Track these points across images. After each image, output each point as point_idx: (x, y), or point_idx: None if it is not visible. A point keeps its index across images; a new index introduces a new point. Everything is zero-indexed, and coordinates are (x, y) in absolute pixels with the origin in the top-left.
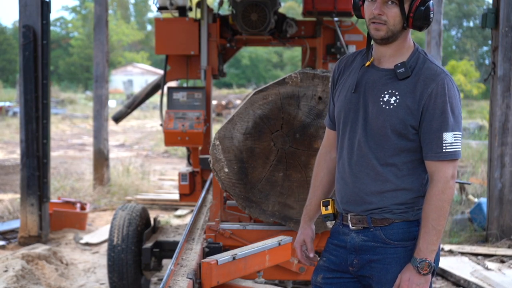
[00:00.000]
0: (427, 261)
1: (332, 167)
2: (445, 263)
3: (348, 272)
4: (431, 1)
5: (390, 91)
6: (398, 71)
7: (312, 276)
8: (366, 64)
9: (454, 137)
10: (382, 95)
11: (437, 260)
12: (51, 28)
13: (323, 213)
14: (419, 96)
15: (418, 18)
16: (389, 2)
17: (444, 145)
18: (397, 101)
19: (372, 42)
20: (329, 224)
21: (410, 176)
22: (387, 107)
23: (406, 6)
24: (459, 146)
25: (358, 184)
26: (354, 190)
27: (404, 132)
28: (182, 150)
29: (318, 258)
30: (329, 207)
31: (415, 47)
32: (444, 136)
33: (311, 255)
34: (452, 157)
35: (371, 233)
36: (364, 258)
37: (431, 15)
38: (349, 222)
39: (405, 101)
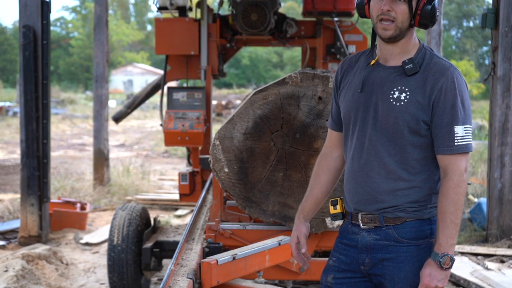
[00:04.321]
0: (448, 255)
1: (332, 166)
2: None
3: (359, 272)
4: (436, 0)
5: (399, 87)
6: (406, 67)
7: (321, 277)
8: (371, 63)
9: (465, 130)
10: (392, 92)
11: None
12: (51, 28)
13: (331, 212)
14: (429, 91)
15: (425, 16)
16: None
17: (455, 138)
18: (408, 97)
19: (377, 41)
20: (329, 224)
21: (422, 173)
22: (398, 104)
23: (414, 4)
24: (471, 139)
25: (370, 183)
26: (366, 189)
27: (416, 128)
28: (182, 150)
29: (311, 258)
30: (338, 206)
31: (420, 44)
32: (455, 130)
33: (303, 250)
34: (464, 150)
35: (383, 232)
36: (376, 257)
37: (437, 14)
38: (360, 221)
39: (416, 96)
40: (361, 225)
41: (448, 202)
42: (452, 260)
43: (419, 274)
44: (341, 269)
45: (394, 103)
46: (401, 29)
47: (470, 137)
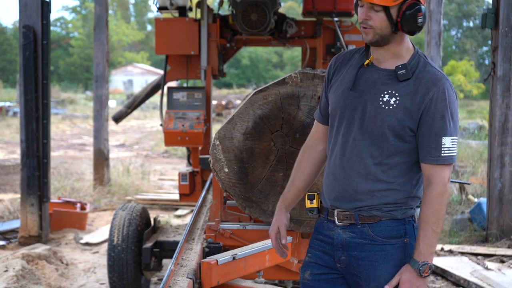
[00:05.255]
0: (428, 264)
1: (316, 159)
2: (445, 263)
3: (335, 268)
4: (422, 6)
5: (390, 91)
6: (399, 72)
7: (300, 274)
8: (365, 63)
9: (452, 141)
10: (382, 95)
11: None
12: (51, 28)
13: (307, 207)
14: (420, 99)
15: (406, 22)
16: (374, 8)
17: (443, 149)
18: (397, 102)
19: None
20: None
21: (401, 177)
22: (386, 107)
23: (394, 11)
24: (456, 151)
25: (348, 182)
26: (344, 187)
27: (401, 133)
28: (182, 150)
29: (288, 248)
30: (314, 201)
31: (415, 50)
32: (443, 141)
33: (283, 241)
34: (450, 161)
35: (359, 229)
36: (351, 255)
37: (419, 20)
38: (336, 217)
39: (405, 103)
40: (337, 221)
41: (431, 212)
42: (431, 269)
43: (395, 274)
44: (318, 265)
45: (383, 106)
46: (381, 35)
47: (456, 149)
